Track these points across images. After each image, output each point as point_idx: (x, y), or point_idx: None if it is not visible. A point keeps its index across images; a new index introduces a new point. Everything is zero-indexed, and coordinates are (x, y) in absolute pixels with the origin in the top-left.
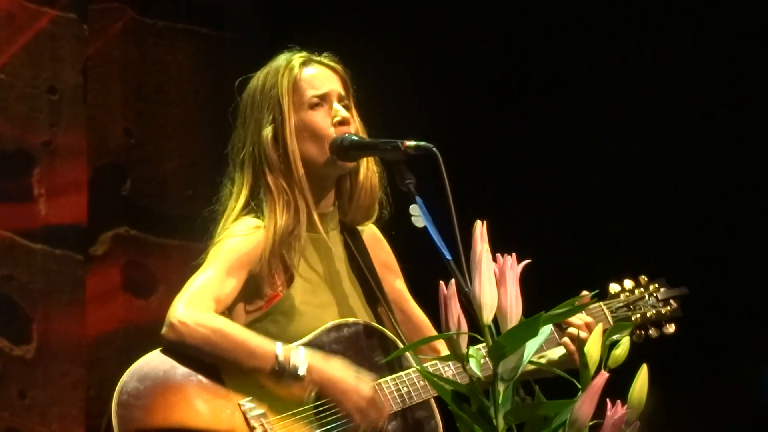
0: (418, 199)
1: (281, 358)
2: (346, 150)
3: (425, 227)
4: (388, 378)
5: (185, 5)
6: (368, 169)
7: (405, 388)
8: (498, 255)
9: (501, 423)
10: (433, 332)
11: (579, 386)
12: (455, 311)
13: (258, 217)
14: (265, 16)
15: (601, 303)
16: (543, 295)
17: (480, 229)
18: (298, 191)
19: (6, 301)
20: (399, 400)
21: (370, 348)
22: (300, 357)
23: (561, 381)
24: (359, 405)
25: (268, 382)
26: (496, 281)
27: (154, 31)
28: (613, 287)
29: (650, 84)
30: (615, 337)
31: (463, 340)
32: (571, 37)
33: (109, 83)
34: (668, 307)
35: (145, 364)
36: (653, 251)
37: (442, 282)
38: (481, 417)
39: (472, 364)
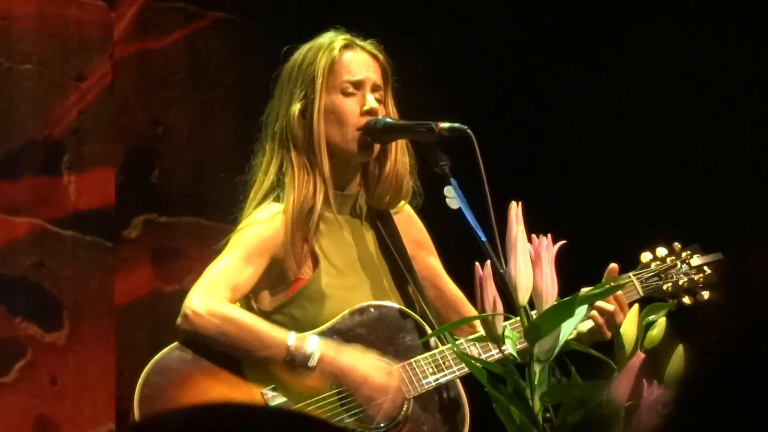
0: (452, 180)
1: (293, 348)
2: (379, 132)
3: (460, 209)
4: (420, 357)
5: None
6: (395, 155)
7: (445, 362)
8: (533, 236)
9: (537, 404)
10: (469, 307)
11: (615, 367)
12: (491, 292)
13: (280, 201)
14: (293, 3)
15: (631, 274)
16: (578, 276)
17: (515, 210)
18: (318, 172)
19: (37, 288)
20: (432, 378)
21: (395, 330)
22: (311, 347)
23: (597, 362)
24: (371, 396)
25: (282, 372)
26: (531, 262)
27: (184, 17)
28: (645, 256)
29: (686, 64)
30: (651, 317)
31: (499, 321)
32: (607, 16)
33: (137, 70)
34: (701, 274)
35: (166, 357)
36: (691, 229)
37: (477, 263)
38: (517, 398)
39: (508, 345)
